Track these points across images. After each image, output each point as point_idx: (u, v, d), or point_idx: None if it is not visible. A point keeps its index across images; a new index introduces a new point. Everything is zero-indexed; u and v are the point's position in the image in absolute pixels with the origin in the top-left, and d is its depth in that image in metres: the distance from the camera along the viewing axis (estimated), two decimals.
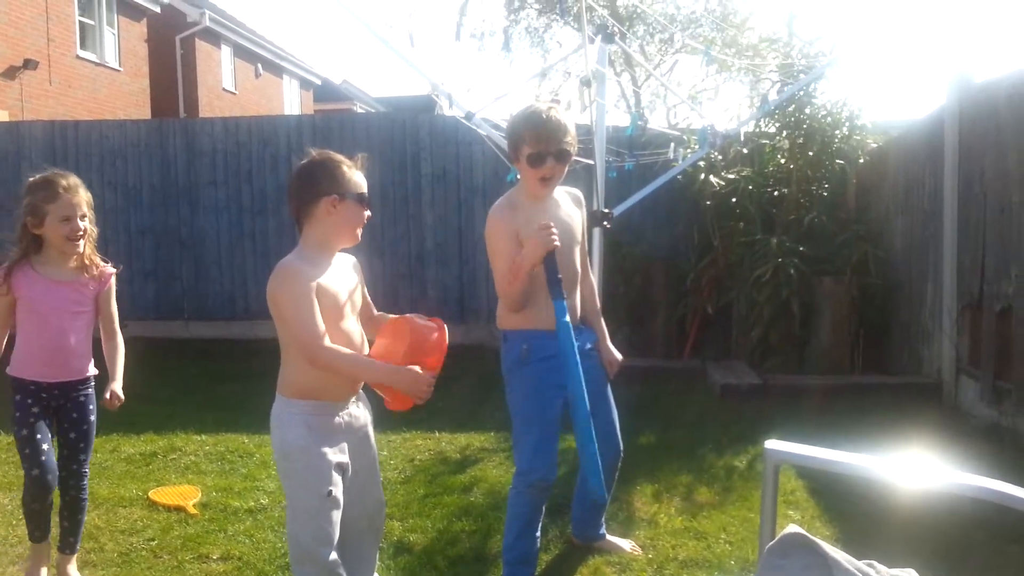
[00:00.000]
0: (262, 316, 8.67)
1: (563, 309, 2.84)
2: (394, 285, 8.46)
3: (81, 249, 3.06)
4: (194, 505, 3.96)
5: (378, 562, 2.92)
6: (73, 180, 3.06)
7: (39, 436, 3.03)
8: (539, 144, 2.87)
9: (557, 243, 2.81)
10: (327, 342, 2.39)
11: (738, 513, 3.84)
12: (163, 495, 4.09)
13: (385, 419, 5.31)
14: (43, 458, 3.01)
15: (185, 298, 8.77)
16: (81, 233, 3.03)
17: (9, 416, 3.07)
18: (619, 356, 3.30)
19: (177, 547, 3.51)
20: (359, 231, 2.58)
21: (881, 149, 7.33)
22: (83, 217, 3.04)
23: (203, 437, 5.12)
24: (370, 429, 2.69)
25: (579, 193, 3.22)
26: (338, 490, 2.49)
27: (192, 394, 6.24)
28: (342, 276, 2.57)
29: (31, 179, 3.07)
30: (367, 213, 2.56)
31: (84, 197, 3.06)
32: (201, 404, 5.91)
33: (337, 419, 2.53)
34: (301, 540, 2.49)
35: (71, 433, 3.14)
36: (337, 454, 2.51)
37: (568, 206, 3.12)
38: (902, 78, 34.47)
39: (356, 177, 2.54)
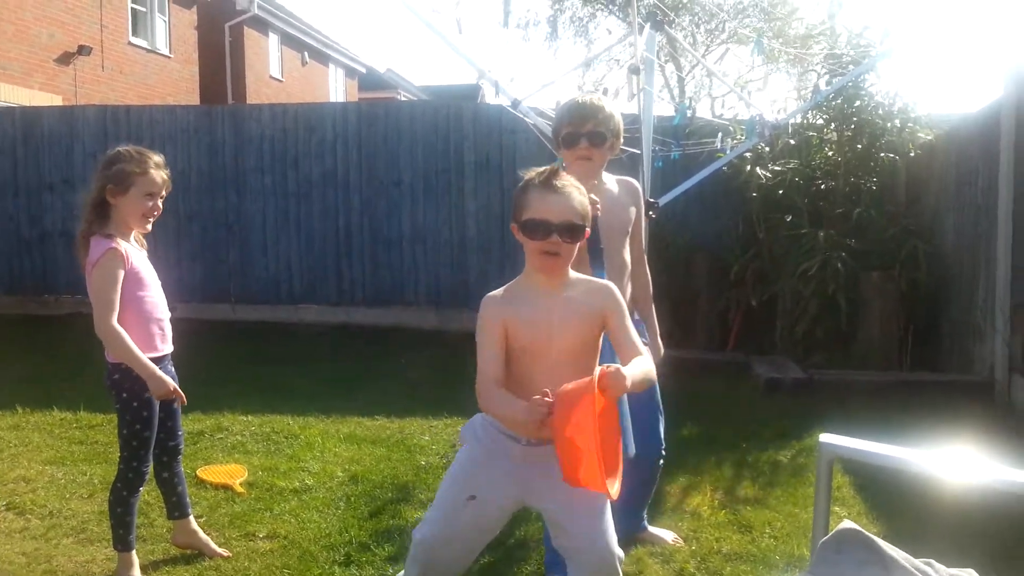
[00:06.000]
0: (305, 301, 8.95)
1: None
2: (436, 272, 8.55)
3: (149, 229, 3.05)
4: (240, 484, 4.02)
5: None
6: (162, 159, 3.03)
7: None
8: (572, 125, 2.96)
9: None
10: (489, 382, 2.19)
11: (783, 508, 3.81)
12: (210, 473, 4.15)
13: (425, 403, 5.38)
14: None
15: (231, 282, 8.90)
16: (157, 213, 3.02)
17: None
18: (662, 351, 3.29)
19: (224, 524, 3.57)
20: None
21: (932, 143, 7.17)
22: (161, 198, 3.02)
23: (249, 418, 5.19)
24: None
25: (636, 186, 3.20)
26: (477, 503, 2.31)
27: (238, 375, 6.32)
28: (547, 311, 2.23)
29: (121, 148, 2.99)
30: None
31: (167, 178, 3.03)
32: (247, 385, 5.99)
33: (508, 445, 2.30)
34: (425, 516, 2.43)
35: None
36: (491, 475, 2.31)
37: (619, 195, 3.10)
38: (955, 70, 33.70)
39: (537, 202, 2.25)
